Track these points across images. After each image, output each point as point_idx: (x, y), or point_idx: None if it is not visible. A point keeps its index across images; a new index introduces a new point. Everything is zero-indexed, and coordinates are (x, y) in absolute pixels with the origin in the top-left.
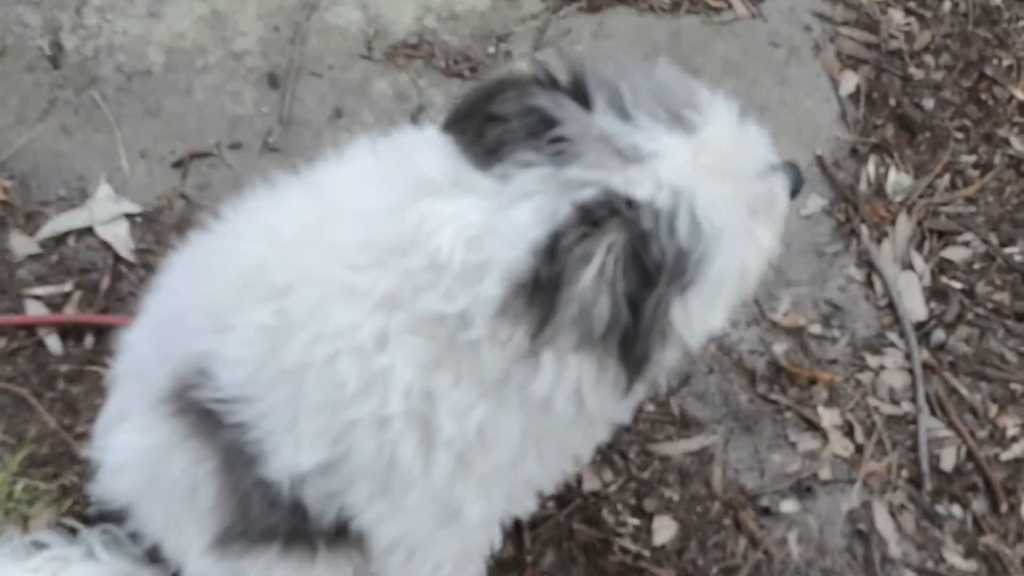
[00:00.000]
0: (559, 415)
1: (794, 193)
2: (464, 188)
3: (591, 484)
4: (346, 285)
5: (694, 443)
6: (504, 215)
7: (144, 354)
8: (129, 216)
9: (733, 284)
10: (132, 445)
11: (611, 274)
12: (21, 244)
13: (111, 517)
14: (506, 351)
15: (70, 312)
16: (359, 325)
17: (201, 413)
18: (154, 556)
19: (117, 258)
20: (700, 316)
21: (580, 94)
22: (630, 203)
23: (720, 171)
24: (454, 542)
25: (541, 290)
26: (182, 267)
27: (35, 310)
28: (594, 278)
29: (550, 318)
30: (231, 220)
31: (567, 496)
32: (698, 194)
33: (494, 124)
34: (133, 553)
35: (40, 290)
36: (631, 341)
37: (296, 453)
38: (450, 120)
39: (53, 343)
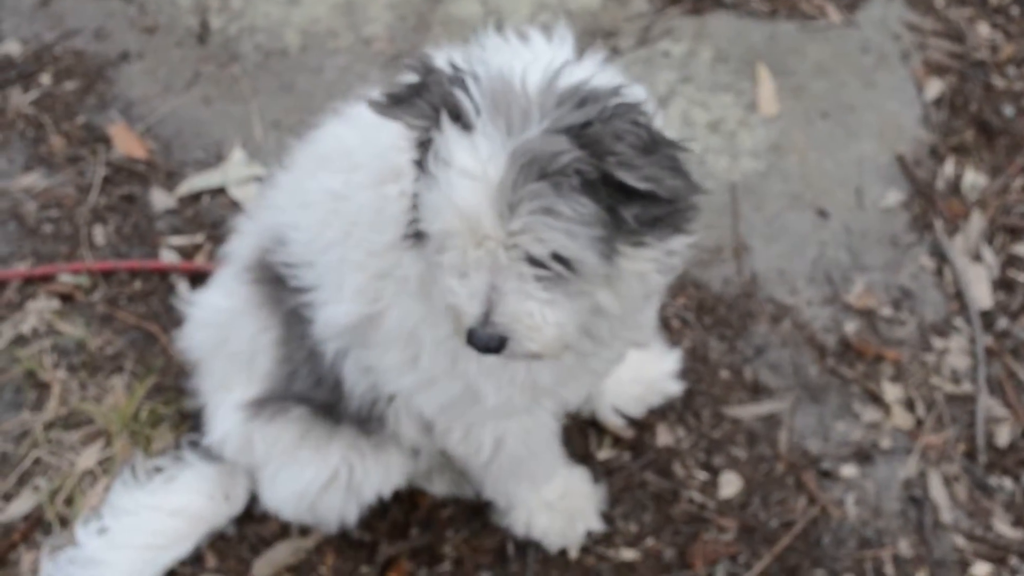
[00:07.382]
0: None
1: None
2: None
3: (665, 439)
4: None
5: (764, 408)
6: None
7: (245, 234)
8: (258, 179)
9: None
10: (215, 304)
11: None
12: (161, 199)
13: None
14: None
15: (200, 261)
16: (388, 154)
17: (273, 282)
18: None
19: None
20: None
21: None
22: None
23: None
24: (493, 425)
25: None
26: (285, 168)
27: (169, 258)
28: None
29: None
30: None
31: (641, 449)
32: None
33: None
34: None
35: (175, 240)
36: None
37: (338, 308)
38: None
39: (183, 287)
